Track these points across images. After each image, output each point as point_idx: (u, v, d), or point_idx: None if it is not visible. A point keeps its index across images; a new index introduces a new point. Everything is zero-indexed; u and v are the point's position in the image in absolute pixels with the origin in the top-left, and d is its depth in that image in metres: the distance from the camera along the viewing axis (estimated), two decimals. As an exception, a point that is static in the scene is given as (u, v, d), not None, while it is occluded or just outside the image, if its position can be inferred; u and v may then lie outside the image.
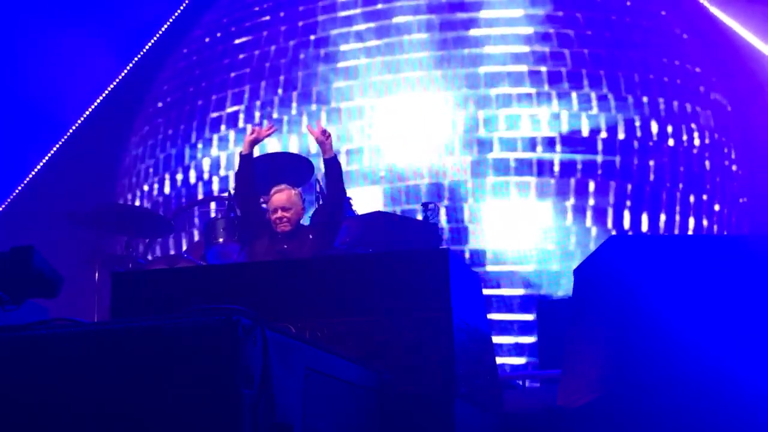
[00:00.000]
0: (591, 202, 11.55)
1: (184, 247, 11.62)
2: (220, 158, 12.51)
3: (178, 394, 2.68)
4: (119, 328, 2.86)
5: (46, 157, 12.45)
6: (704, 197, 12.09)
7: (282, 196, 6.74)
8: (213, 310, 2.77)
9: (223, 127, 12.65)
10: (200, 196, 12.28)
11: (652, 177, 11.80)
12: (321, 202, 7.68)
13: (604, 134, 11.75)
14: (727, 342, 3.83)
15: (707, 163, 12.22)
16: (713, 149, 12.31)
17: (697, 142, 12.18)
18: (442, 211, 10.94)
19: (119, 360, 2.76)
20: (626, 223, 11.60)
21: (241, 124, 12.52)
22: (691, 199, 12.00)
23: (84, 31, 11.84)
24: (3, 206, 12.01)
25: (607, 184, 11.64)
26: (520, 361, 10.71)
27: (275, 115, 12.32)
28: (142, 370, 2.73)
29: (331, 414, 3.26)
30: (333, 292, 4.17)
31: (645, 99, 11.96)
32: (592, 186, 11.60)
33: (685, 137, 12.12)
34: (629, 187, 11.71)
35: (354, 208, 7.79)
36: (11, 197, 12.11)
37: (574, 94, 11.79)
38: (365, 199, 10.80)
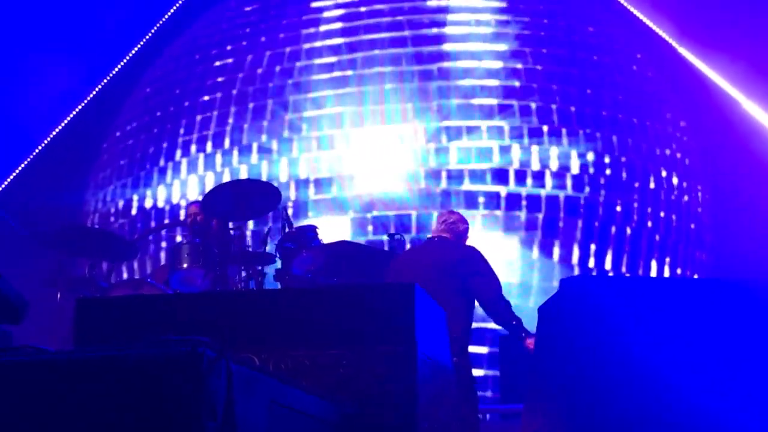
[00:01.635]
0: (558, 238, 11.62)
1: (149, 271, 11.57)
2: (188, 182, 12.48)
3: (141, 426, 2.67)
4: (84, 358, 2.85)
5: (11, 177, 12.36)
6: (668, 240, 12.18)
7: None
8: (178, 341, 2.76)
9: (193, 149, 12.63)
10: (167, 220, 12.25)
11: (618, 215, 11.89)
12: (287, 230, 7.68)
13: (574, 170, 11.84)
14: (687, 379, 3.87)
15: (674, 205, 12.33)
16: (681, 192, 12.43)
17: (665, 184, 12.30)
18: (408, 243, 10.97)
19: (83, 389, 2.75)
20: (591, 261, 11.68)
21: (209, 149, 12.52)
22: (656, 238, 12.10)
23: (55, 48, 11.80)
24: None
25: (575, 221, 11.73)
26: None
27: (244, 142, 12.34)
28: (106, 399, 2.72)
29: (294, 447, 3.25)
30: (298, 323, 4.16)
31: (614, 138, 12.07)
32: (560, 222, 11.68)
33: (652, 179, 12.23)
34: (596, 224, 11.80)
35: (320, 237, 7.78)
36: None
37: (545, 128, 11.89)
38: (332, 229, 10.81)
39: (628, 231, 11.91)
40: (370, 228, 11.62)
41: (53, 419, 2.72)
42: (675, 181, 12.42)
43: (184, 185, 12.47)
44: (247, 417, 2.84)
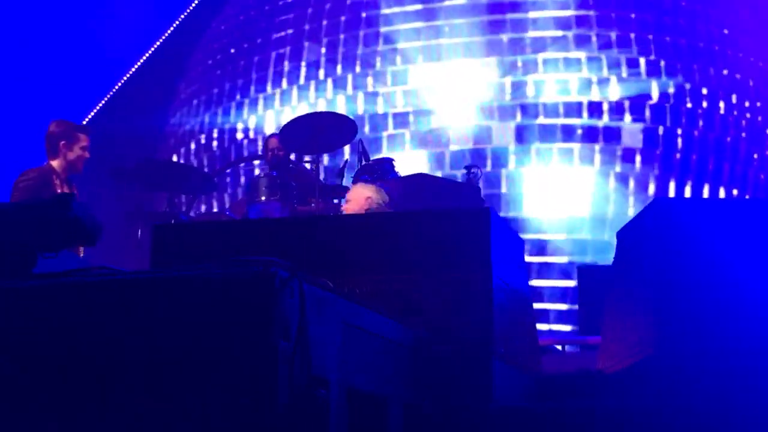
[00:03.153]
0: (637, 168, 11.43)
1: (227, 205, 11.68)
2: (265, 117, 12.53)
3: (214, 344, 2.68)
4: (157, 278, 2.86)
5: (91, 114, 12.52)
6: (749, 172, 11.90)
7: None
8: (250, 261, 2.75)
9: (268, 87, 12.65)
10: (245, 154, 12.33)
11: (697, 145, 11.64)
12: (363, 162, 7.67)
13: (652, 101, 11.60)
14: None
15: (758, 138, 12.01)
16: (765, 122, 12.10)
17: (748, 114, 11.98)
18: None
19: (156, 309, 2.76)
20: (671, 193, 11.48)
21: (284, 85, 12.52)
22: (737, 170, 11.82)
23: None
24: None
25: (653, 152, 11.51)
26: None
27: (321, 77, 12.31)
28: (179, 319, 2.73)
29: (368, 369, 3.24)
30: (372, 249, 4.14)
31: (695, 67, 11.77)
32: (637, 154, 11.48)
33: (735, 109, 11.92)
34: (677, 156, 11.57)
35: (396, 170, 7.76)
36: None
37: (623, 59, 11.64)
38: (409, 163, 10.77)
39: (710, 164, 11.66)
40: (447, 161, 11.55)
41: (127, 338, 2.75)
42: (760, 117, 12.09)
43: (261, 120, 12.52)
44: (320, 337, 2.83)
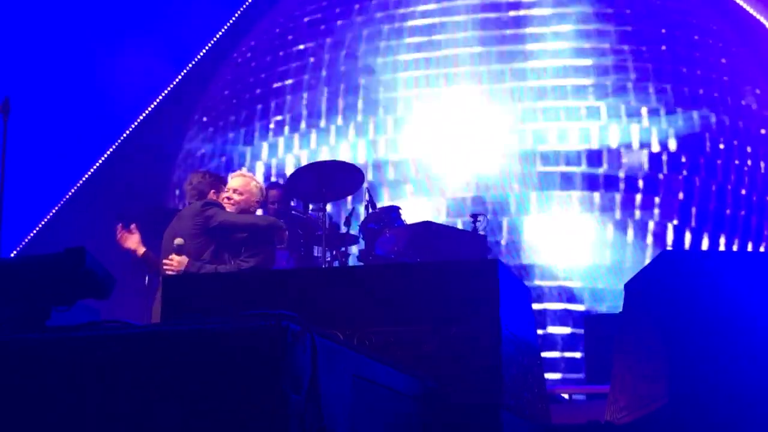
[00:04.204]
0: (636, 216, 11.45)
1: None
2: (271, 164, 12.59)
3: (226, 398, 2.68)
4: (169, 331, 2.87)
5: (99, 161, 12.59)
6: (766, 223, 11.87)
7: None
8: (263, 315, 2.76)
9: (270, 136, 12.73)
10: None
11: (713, 195, 11.65)
12: (370, 211, 7.70)
13: (653, 149, 11.64)
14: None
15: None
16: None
17: (749, 162, 12.01)
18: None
19: (168, 362, 2.77)
20: (668, 239, 11.48)
21: (286, 132, 12.61)
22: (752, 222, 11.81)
23: (138, 38, 12.01)
24: (56, 208, 12.16)
25: (652, 199, 11.54)
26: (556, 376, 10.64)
27: (322, 124, 12.39)
28: (191, 372, 2.73)
29: (378, 422, 3.24)
30: (381, 300, 4.15)
31: (713, 118, 11.81)
32: (656, 203, 11.50)
33: (736, 158, 11.95)
34: (676, 203, 11.59)
35: (403, 217, 7.79)
36: (64, 199, 12.27)
37: (644, 109, 11.70)
38: (411, 210, 10.80)
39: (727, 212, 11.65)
40: (445, 209, 11.58)
41: (139, 391, 2.75)
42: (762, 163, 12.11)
43: (267, 168, 12.58)
44: (331, 390, 2.84)
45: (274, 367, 2.66)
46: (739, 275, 3.99)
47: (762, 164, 12.07)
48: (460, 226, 10.52)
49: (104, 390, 2.78)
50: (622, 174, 11.53)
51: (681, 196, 11.59)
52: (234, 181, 6.83)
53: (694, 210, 11.59)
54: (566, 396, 7.80)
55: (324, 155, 11.92)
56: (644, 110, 11.76)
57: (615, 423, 4.47)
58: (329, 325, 3.80)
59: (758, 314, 3.86)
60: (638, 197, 11.52)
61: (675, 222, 11.51)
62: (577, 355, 10.70)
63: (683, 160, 11.73)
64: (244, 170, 7.19)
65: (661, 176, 11.61)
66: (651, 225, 11.45)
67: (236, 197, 6.73)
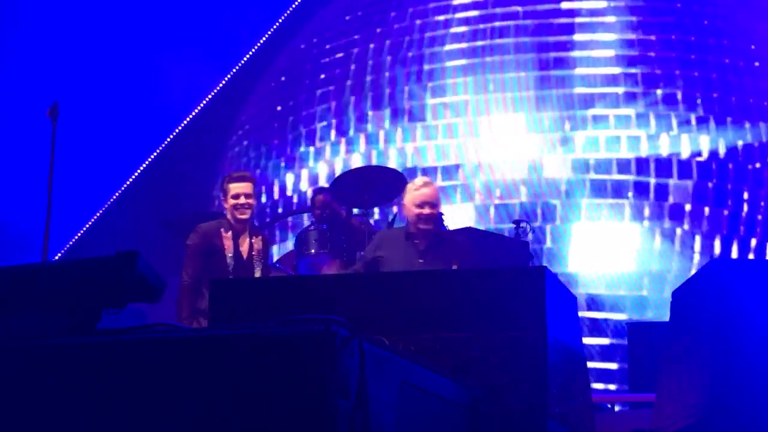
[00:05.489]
0: (685, 226, 11.36)
1: (275, 259, 11.75)
2: (316, 170, 12.63)
3: (274, 403, 2.69)
4: (219, 335, 2.89)
5: (143, 166, 12.71)
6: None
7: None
8: (311, 320, 2.77)
9: (317, 141, 12.77)
10: (294, 208, 12.41)
11: (746, 203, 11.54)
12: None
13: (702, 157, 11.55)
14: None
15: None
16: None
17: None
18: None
19: (218, 367, 2.79)
20: (716, 250, 11.37)
21: (333, 137, 12.64)
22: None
23: (183, 44, 12.13)
24: (101, 212, 12.28)
25: (701, 209, 11.44)
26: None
27: (370, 130, 12.41)
28: (239, 377, 2.75)
29: (424, 428, 3.24)
30: (426, 306, 4.16)
31: (747, 125, 11.70)
32: (687, 209, 11.40)
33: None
34: (725, 212, 11.48)
35: (446, 223, 7.78)
36: (108, 203, 12.40)
37: (673, 116, 11.62)
38: (455, 216, 10.78)
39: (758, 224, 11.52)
40: (492, 216, 11.56)
41: (188, 395, 2.77)
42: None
43: (313, 173, 12.62)
44: (378, 396, 2.84)
45: (322, 373, 2.67)
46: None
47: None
48: (504, 232, 10.49)
49: (154, 393, 2.80)
50: (671, 182, 11.45)
51: (729, 205, 11.49)
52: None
53: (742, 220, 11.48)
54: (609, 405, 7.74)
55: (371, 161, 11.95)
56: (693, 118, 11.67)
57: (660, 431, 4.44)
58: (374, 330, 3.81)
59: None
60: (686, 206, 11.43)
61: (723, 232, 11.41)
62: (613, 366, 10.64)
63: (731, 168, 11.62)
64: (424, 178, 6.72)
65: (710, 185, 11.51)
66: (698, 234, 11.36)
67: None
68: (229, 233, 6.72)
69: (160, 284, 3.13)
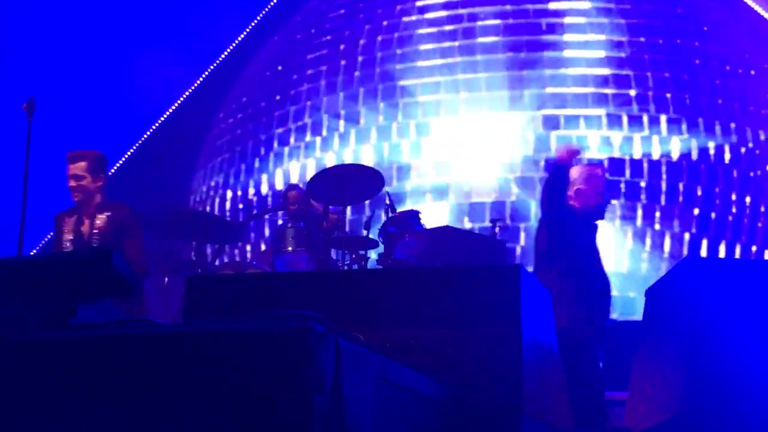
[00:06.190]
0: (655, 225, 11.43)
1: (249, 257, 11.73)
2: (290, 170, 12.62)
3: (250, 398, 2.70)
4: (194, 331, 2.90)
5: (120, 162, 12.66)
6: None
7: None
8: (287, 316, 2.78)
9: (291, 140, 12.77)
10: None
11: (721, 205, 11.63)
12: (390, 215, 7.70)
13: (674, 158, 11.63)
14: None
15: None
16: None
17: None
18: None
19: (193, 362, 2.79)
20: (684, 250, 11.45)
21: (308, 137, 12.64)
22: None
23: (161, 40, 12.10)
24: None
25: (671, 209, 11.51)
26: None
27: (341, 129, 12.42)
28: (215, 373, 2.75)
29: (400, 424, 3.26)
30: (402, 304, 4.16)
31: (717, 125, 11.80)
32: (657, 211, 11.48)
33: (758, 169, 11.90)
34: (694, 212, 11.56)
35: (422, 222, 7.79)
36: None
37: (644, 117, 11.70)
38: (429, 215, 10.80)
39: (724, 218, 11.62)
40: (466, 216, 11.58)
41: (163, 391, 2.77)
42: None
43: (286, 173, 12.61)
44: (354, 392, 2.85)
45: (298, 368, 2.68)
46: (761, 283, 3.99)
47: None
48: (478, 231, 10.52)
49: (129, 389, 2.80)
50: (643, 183, 11.51)
51: (699, 205, 11.57)
52: None
53: (712, 220, 11.56)
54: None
55: (344, 159, 11.94)
56: (663, 119, 11.74)
57: (633, 429, 4.47)
58: (350, 328, 3.81)
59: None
60: (658, 206, 11.49)
61: (693, 230, 11.48)
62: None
63: (702, 169, 11.70)
64: None
65: (681, 186, 11.58)
66: (668, 234, 11.43)
67: None
68: (74, 216, 6.37)
69: (135, 280, 3.13)
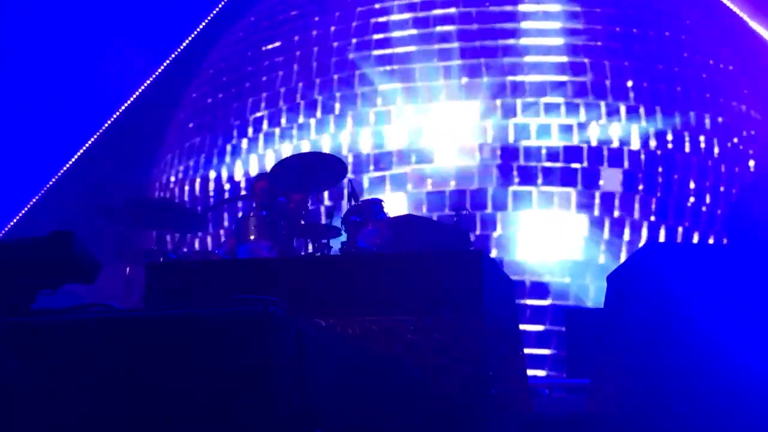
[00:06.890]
0: (614, 213, 11.50)
1: (210, 246, 11.68)
2: (248, 161, 12.58)
3: (212, 382, 2.69)
4: (155, 316, 2.88)
5: (80, 152, 12.57)
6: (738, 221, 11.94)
7: None
8: (248, 300, 2.77)
9: (249, 131, 12.74)
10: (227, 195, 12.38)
11: (675, 188, 11.73)
12: (353, 203, 7.68)
13: (634, 147, 11.71)
14: (764, 350, 3.79)
15: (748, 186, 12.08)
16: (756, 173, 12.17)
17: (737, 166, 12.07)
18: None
19: (154, 347, 2.77)
20: (643, 238, 11.53)
21: (265, 127, 12.61)
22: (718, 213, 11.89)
23: (122, 30, 12.02)
24: (36, 198, 12.13)
25: (632, 196, 11.59)
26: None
27: (301, 120, 12.40)
28: (176, 357, 2.74)
29: (362, 407, 3.26)
30: (365, 290, 4.16)
31: (677, 115, 11.90)
32: (616, 198, 11.55)
33: (716, 157, 12.02)
34: (653, 200, 11.64)
35: (385, 210, 7.77)
36: (45, 189, 12.25)
37: (602, 105, 11.77)
38: (391, 204, 10.80)
39: (686, 204, 11.73)
40: (425, 204, 11.60)
41: (123, 376, 2.75)
42: (751, 163, 12.18)
43: (246, 164, 12.57)
44: (316, 377, 2.85)
45: (259, 353, 2.67)
46: (722, 268, 4.02)
47: (751, 163, 12.16)
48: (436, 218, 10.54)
49: (89, 374, 2.78)
50: (602, 170, 11.58)
51: (658, 193, 11.66)
52: None
53: (671, 207, 11.66)
54: (547, 390, 7.81)
55: (303, 149, 11.91)
56: (622, 107, 11.82)
57: (597, 414, 4.50)
58: (313, 313, 3.81)
59: (737, 307, 3.89)
60: (616, 194, 11.57)
61: (652, 218, 11.57)
62: (546, 351, 10.74)
63: (660, 155, 11.79)
64: None
65: (639, 174, 11.66)
66: (627, 221, 11.51)
67: None
68: None
69: (95, 265, 3.10)
